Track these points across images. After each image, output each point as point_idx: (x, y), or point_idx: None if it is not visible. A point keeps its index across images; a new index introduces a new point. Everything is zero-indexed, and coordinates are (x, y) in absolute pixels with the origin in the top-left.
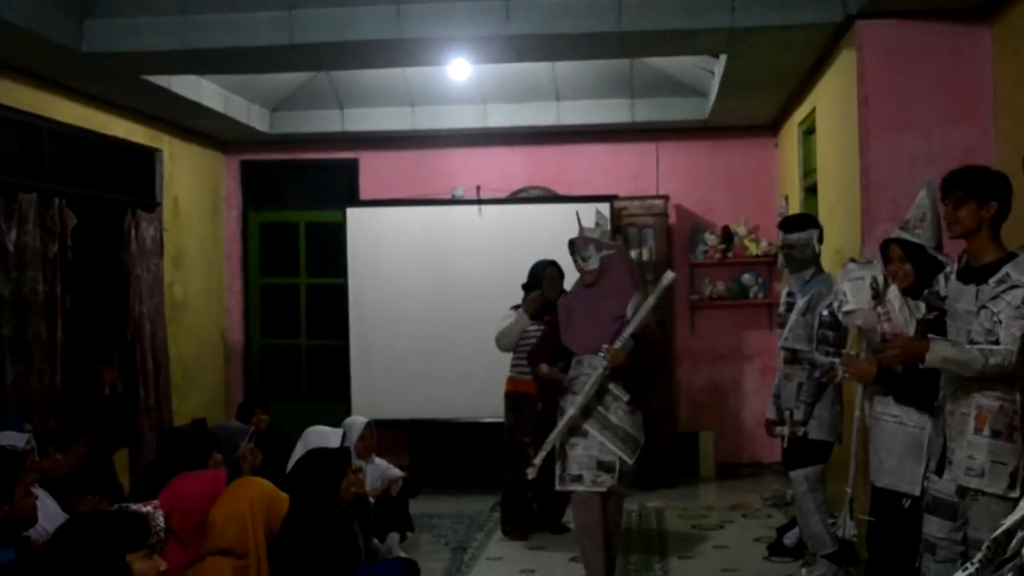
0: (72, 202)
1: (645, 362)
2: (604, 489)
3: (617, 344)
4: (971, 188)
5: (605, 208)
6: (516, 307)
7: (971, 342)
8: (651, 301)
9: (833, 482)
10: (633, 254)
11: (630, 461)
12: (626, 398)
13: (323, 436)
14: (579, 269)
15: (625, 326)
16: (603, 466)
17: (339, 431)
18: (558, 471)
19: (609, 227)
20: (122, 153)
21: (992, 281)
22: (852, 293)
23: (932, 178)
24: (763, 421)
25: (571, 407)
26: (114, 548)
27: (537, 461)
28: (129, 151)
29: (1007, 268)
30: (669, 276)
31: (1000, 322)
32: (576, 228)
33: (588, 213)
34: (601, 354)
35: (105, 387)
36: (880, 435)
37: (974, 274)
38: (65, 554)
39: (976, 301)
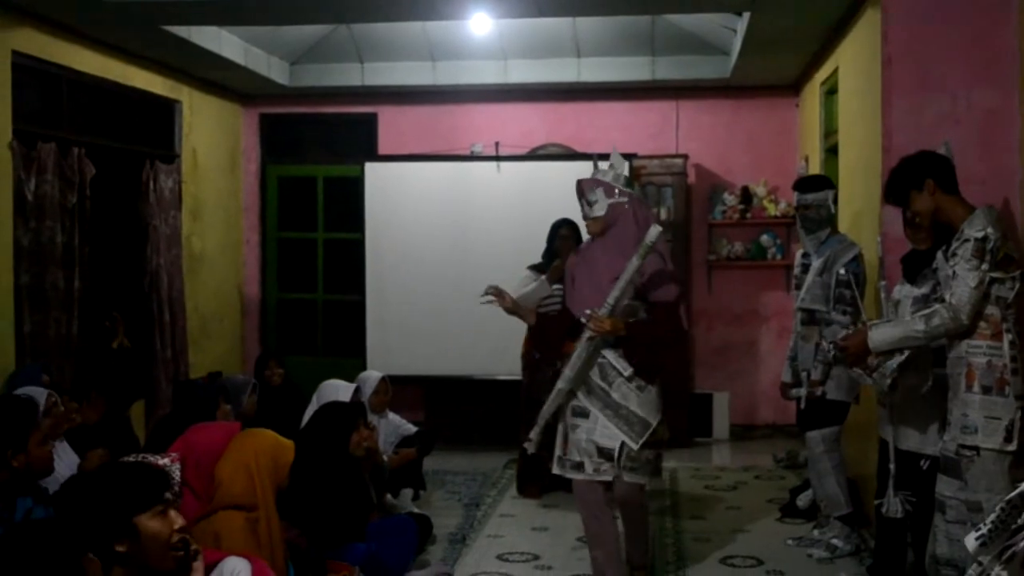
0: (91, 152)
1: (653, 332)
2: (608, 478)
3: (603, 309)
4: (904, 183)
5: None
6: (533, 267)
7: (940, 300)
8: (635, 262)
9: (849, 443)
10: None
11: (635, 446)
12: (627, 372)
13: (335, 390)
14: (584, 217)
15: (637, 287)
16: (603, 452)
17: (352, 386)
18: (557, 451)
19: (625, 171)
20: (141, 104)
21: (955, 241)
22: None
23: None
24: (778, 383)
25: (560, 381)
26: (121, 509)
27: (533, 435)
28: (149, 102)
29: (963, 225)
30: (653, 232)
31: (954, 275)
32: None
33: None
34: (583, 319)
35: (114, 343)
36: (903, 398)
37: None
38: (71, 514)
39: (948, 265)
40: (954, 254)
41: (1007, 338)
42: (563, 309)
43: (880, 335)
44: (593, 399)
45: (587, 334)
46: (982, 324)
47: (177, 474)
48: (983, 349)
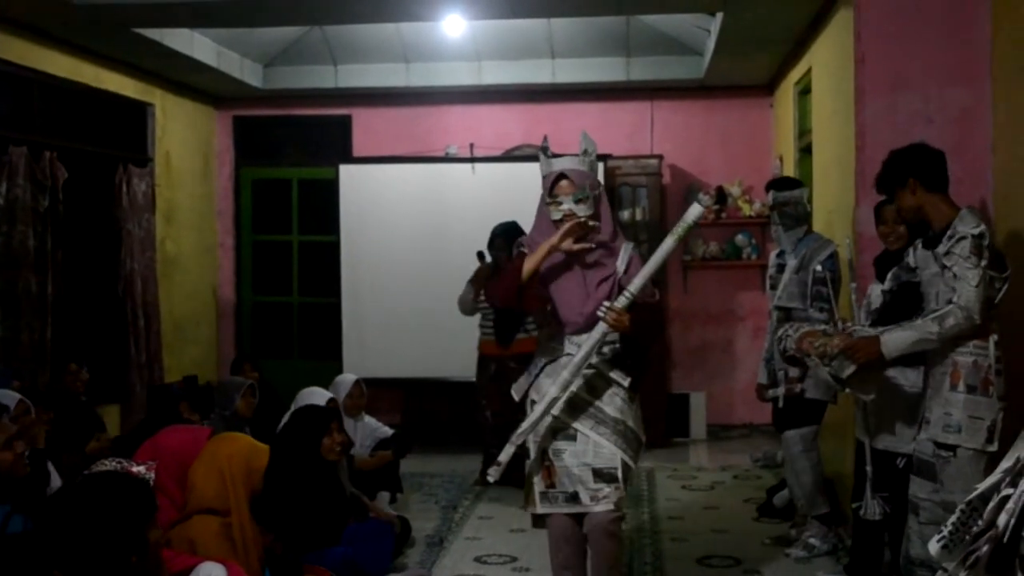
0: (63, 156)
1: (644, 334)
2: (611, 506)
3: (621, 301)
4: (889, 182)
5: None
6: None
7: (948, 302)
8: (670, 242)
9: (826, 443)
10: (626, 214)
11: (634, 465)
12: (626, 383)
13: (311, 396)
14: (565, 215)
15: (622, 284)
16: (601, 475)
17: (328, 393)
18: (539, 487)
19: (595, 155)
20: (114, 107)
21: (945, 239)
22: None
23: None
24: (755, 383)
25: (552, 388)
26: (137, 522)
27: (503, 458)
28: (121, 105)
29: (955, 223)
30: (695, 210)
31: (956, 276)
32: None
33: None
34: (600, 312)
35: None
36: (879, 397)
37: (934, 240)
38: (77, 525)
39: (937, 263)
40: (949, 252)
41: (992, 338)
42: (500, 275)
43: (893, 340)
44: (581, 417)
45: (595, 333)
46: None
47: (151, 481)
48: (969, 349)
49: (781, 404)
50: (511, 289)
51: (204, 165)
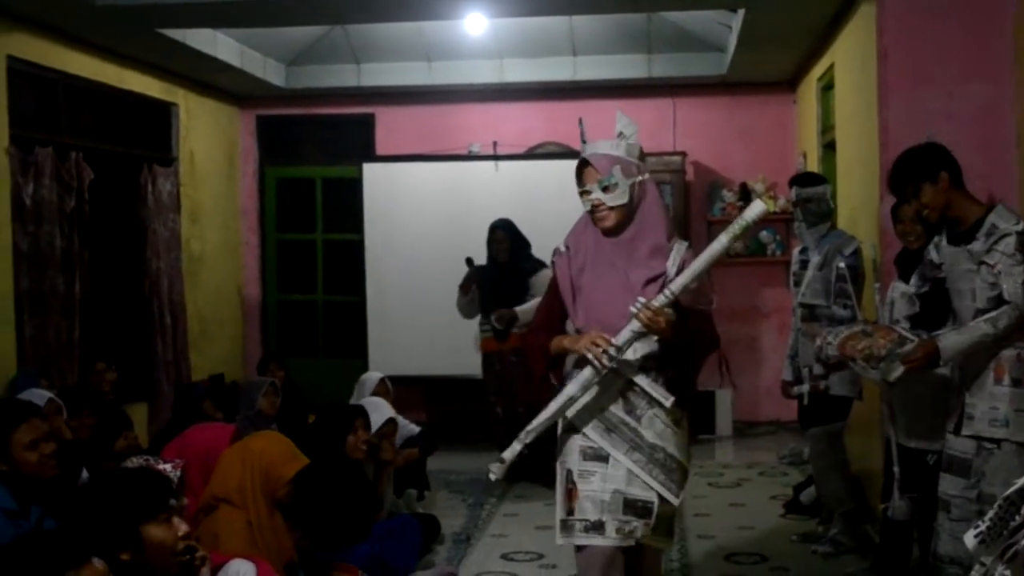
0: (89, 156)
1: (694, 347)
2: (633, 542)
3: (659, 299)
4: (917, 175)
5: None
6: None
7: (978, 311)
8: (723, 240)
9: (852, 439)
10: None
11: (676, 500)
12: (669, 402)
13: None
14: (595, 207)
15: (667, 284)
16: (633, 506)
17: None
18: (560, 513)
19: (637, 140)
20: (138, 107)
21: (980, 235)
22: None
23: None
24: (780, 380)
25: (570, 386)
26: (126, 517)
27: (508, 455)
28: (145, 105)
29: (991, 220)
30: (758, 207)
31: (1000, 273)
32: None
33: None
34: (634, 308)
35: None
36: (907, 395)
37: (964, 236)
38: (78, 521)
39: (971, 259)
40: (991, 250)
41: None
42: (544, 314)
43: (951, 345)
44: (615, 439)
45: (624, 332)
46: None
47: (177, 479)
48: (1012, 343)
49: (806, 401)
50: (539, 364)
51: (228, 164)
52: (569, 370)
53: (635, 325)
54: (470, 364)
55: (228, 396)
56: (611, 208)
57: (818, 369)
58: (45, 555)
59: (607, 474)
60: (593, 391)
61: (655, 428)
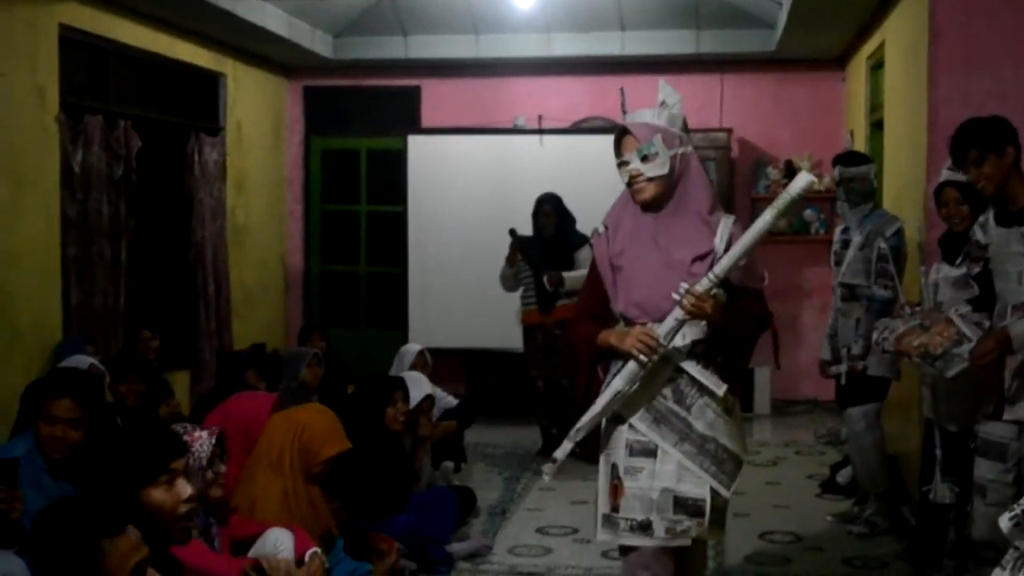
0: (137, 125)
1: (746, 328)
2: (687, 543)
3: (702, 283)
4: (985, 143)
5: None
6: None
7: None
8: (768, 217)
9: (889, 420)
10: None
11: (727, 494)
12: (721, 390)
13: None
14: (633, 178)
15: (716, 263)
16: (684, 505)
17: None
18: (603, 508)
19: (681, 110)
20: (186, 77)
21: None
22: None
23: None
24: (818, 360)
25: (616, 380)
26: (126, 482)
27: (559, 455)
28: (193, 75)
29: None
30: (804, 179)
31: None
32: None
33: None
34: (677, 295)
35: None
36: (950, 379)
37: (1015, 217)
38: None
39: (1022, 241)
40: None
41: None
42: (585, 300)
43: (1020, 331)
44: (664, 431)
45: (668, 320)
46: None
47: (206, 447)
48: None
49: (844, 381)
50: (583, 358)
51: (274, 135)
52: (618, 367)
53: (679, 313)
54: (510, 337)
55: (271, 366)
56: (650, 179)
57: (857, 349)
58: (81, 521)
59: (656, 470)
60: (640, 380)
61: (706, 418)
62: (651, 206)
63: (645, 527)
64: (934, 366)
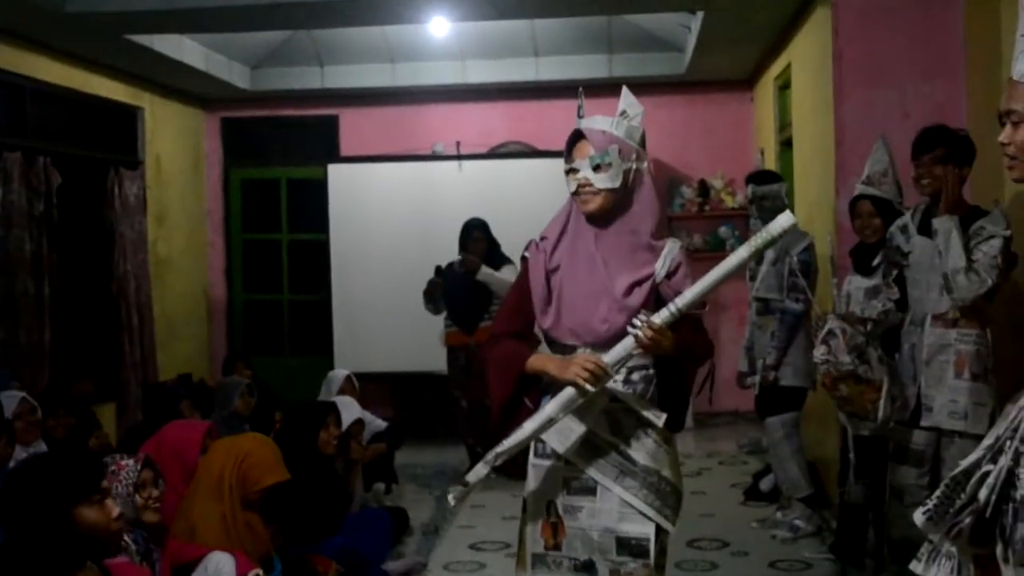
0: (56, 161)
1: (692, 360)
2: None
3: (659, 319)
4: (958, 152)
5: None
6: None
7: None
8: (743, 253)
9: (808, 427)
10: None
11: (673, 529)
12: (660, 421)
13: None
14: (581, 187)
15: (661, 292)
16: (628, 546)
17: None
18: (533, 547)
19: (641, 122)
20: (104, 112)
21: (971, 232)
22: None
23: (884, 133)
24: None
25: (549, 406)
26: (59, 499)
27: (472, 479)
28: (111, 110)
29: (981, 222)
30: (787, 219)
31: (970, 264)
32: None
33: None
34: (632, 328)
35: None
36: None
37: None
38: (8, 505)
39: (958, 240)
40: (974, 248)
41: (989, 329)
42: (502, 316)
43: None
44: (602, 465)
45: (618, 349)
46: (972, 314)
47: (133, 474)
48: (973, 338)
49: (757, 391)
50: (506, 383)
51: (194, 167)
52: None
53: (630, 344)
54: (435, 360)
55: (202, 396)
56: (598, 191)
57: (770, 360)
58: (56, 483)
59: (596, 508)
60: (574, 410)
61: (647, 448)
62: (596, 219)
63: (588, 567)
64: (848, 419)
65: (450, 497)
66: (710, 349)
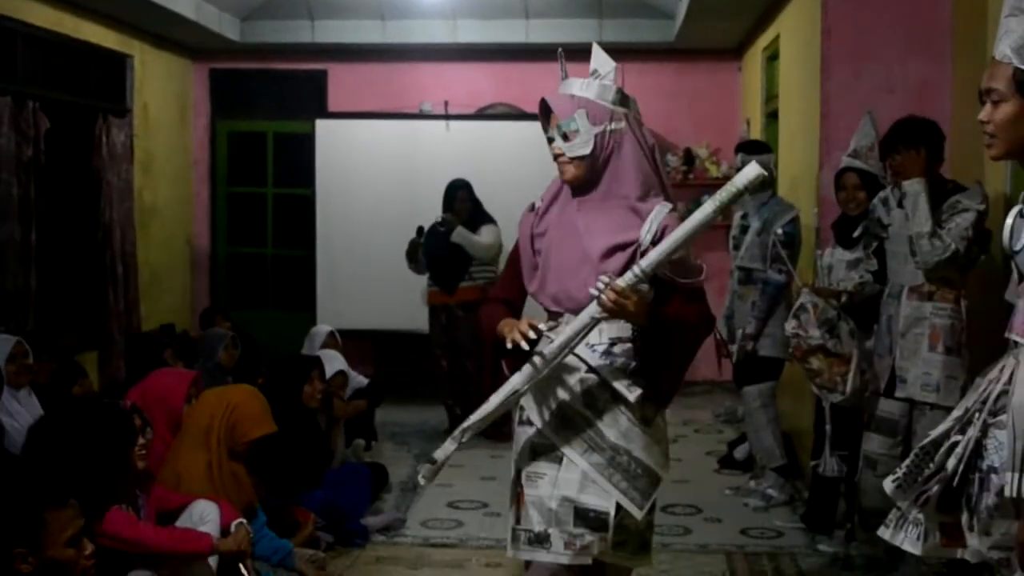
0: (45, 106)
1: (680, 335)
2: (587, 560)
3: (626, 278)
4: (932, 146)
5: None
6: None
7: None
8: (708, 209)
9: (784, 398)
10: None
11: (639, 513)
12: (634, 396)
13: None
14: (554, 155)
15: (642, 256)
16: (586, 517)
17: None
18: (511, 520)
19: (614, 80)
20: (94, 59)
21: (945, 207)
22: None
23: (871, 108)
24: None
25: (515, 377)
26: (122, 442)
27: (439, 455)
28: (101, 57)
29: (958, 196)
30: (754, 170)
31: (940, 237)
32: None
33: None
34: (594, 290)
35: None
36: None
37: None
38: (63, 451)
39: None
40: (947, 220)
41: (963, 303)
42: (502, 284)
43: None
44: (570, 436)
45: (583, 315)
46: (948, 287)
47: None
48: (947, 312)
49: (734, 361)
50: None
51: (181, 117)
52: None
53: (595, 309)
54: (418, 319)
55: (186, 346)
56: (570, 160)
57: (750, 329)
58: (24, 492)
59: (558, 478)
60: (548, 379)
61: (619, 426)
62: (577, 188)
63: (543, 539)
64: (817, 389)
65: (420, 477)
66: (707, 322)
